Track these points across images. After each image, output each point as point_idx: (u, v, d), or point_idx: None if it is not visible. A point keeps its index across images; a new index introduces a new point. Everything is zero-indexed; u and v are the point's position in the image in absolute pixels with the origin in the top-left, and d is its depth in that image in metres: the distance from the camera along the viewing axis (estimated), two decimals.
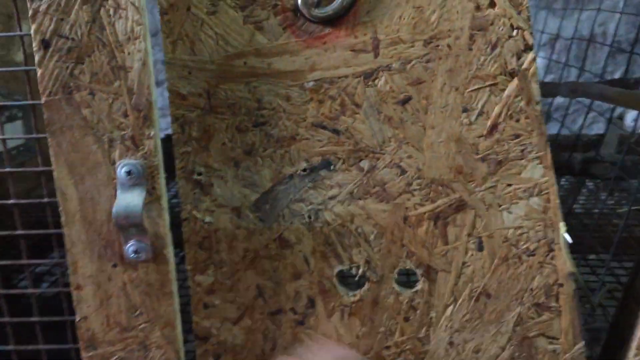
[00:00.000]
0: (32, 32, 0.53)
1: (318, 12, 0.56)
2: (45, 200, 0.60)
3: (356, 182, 0.58)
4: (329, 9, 0.56)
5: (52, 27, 0.53)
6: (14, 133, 1.11)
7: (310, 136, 0.58)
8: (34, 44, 0.53)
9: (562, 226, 0.57)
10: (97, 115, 0.55)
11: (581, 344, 0.59)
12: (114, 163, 0.55)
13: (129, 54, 0.54)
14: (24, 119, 1.15)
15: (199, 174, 0.59)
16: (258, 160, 0.59)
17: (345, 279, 0.61)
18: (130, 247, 0.56)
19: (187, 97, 0.58)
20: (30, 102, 0.60)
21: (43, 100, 0.54)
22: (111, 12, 0.53)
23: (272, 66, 0.57)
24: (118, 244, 0.56)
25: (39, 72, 0.53)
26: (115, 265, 0.56)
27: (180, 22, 0.57)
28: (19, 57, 1.26)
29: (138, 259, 0.56)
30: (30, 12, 0.53)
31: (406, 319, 0.60)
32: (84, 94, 0.54)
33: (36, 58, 0.53)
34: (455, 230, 0.58)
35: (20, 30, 0.62)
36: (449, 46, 0.56)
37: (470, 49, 0.56)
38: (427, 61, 0.56)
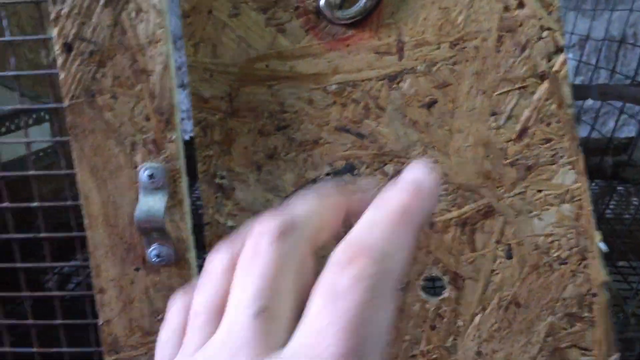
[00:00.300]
0: (54, 35, 0.53)
1: (341, 14, 0.55)
2: (69, 203, 0.60)
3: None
4: (352, 11, 0.55)
5: (74, 30, 0.53)
6: (42, 136, 1.13)
7: (334, 140, 0.57)
8: (55, 48, 0.53)
9: (597, 235, 0.55)
10: (119, 119, 0.54)
11: (616, 355, 0.57)
12: (136, 166, 0.55)
13: (150, 57, 0.54)
14: (51, 121, 1.16)
15: (221, 177, 0.59)
16: (280, 164, 0.58)
17: None
18: (152, 251, 0.55)
19: (208, 101, 0.58)
20: (54, 105, 0.60)
21: (66, 103, 0.54)
22: (133, 15, 0.53)
23: (294, 69, 0.56)
24: (140, 247, 0.56)
25: (62, 75, 0.53)
26: (137, 269, 0.56)
27: (201, 24, 0.57)
28: (48, 60, 1.27)
29: (160, 263, 0.55)
30: (52, 16, 0.53)
31: (432, 328, 0.59)
32: (106, 98, 0.54)
33: (58, 61, 0.53)
34: (483, 237, 0.57)
35: (45, 33, 0.63)
36: (476, 48, 0.55)
37: (499, 51, 0.54)
38: (454, 63, 0.55)
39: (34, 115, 1.11)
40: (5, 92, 1.07)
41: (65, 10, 0.53)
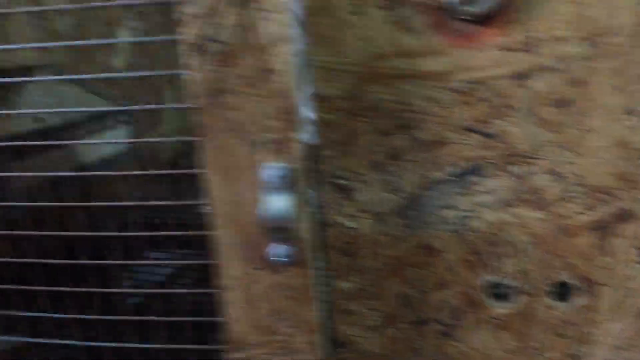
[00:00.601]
0: (183, 36, 0.54)
1: (468, 11, 0.53)
2: (192, 202, 0.61)
3: (508, 188, 0.55)
4: (481, 7, 0.53)
5: (203, 31, 0.53)
6: (117, 139, 1.15)
7: (458, 140, 0.56)
8: (185, 48, 0.54)
9: None
10: (245, 118, 0.55)
11: None
12: (261, 166, 0.55)
13: (276, 56, 0.54)
14: (128, 124, 1.18)
15: (342, 178, 0.58)
16: (402, 165, 0.57)
17: (494, 289, 0.58)
18: (275, 250, 0.55)
19: (330, 100, 0.57)
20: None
21: (195, 103, 0.54)
22: (259, 15, 0.53)
23: (418, 67, 0.55)
24: (264, 247, 0.56)
25: (191, 76, 0.54)
26: (261, 268, 0.56)
27: (324, 23, 0.56)
28: (117, 63, 1.30)
29: (282, 263, 0.55)
30: (182, 17, 0.53)
31: (560, 335, 0.57)
32: (233, 97, 0.54)
33: (188, 62, 0.54)
34: (619, 242, 0.54)
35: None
36: (612, 44, 0.52)
37: (637, 47, 0.52)
38: (588, 60, 0.53)
39: (113, 119, 1.13)
40: (85, 95, 1.09)
41: (195, 12, 0.53)
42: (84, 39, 1.21)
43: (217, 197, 0.56)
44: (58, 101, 1.02)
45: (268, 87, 0.54)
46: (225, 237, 0.56)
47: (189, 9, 0.53)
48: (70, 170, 0.99)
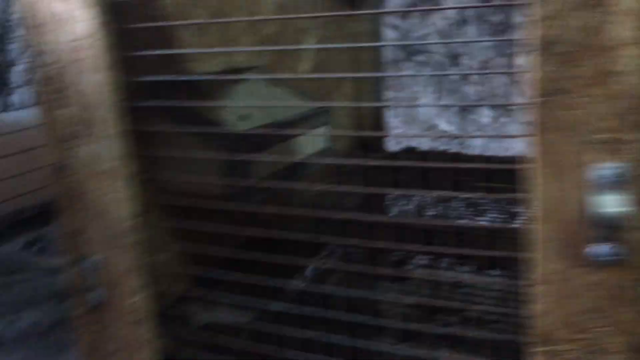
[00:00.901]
0: (530, 37, 0.56)
1: None
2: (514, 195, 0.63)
3: None
4: None
5: (551, 32, 0.55)
6: (322, 138, 1.20)
7: None
8: (529, 49, 0.56)
9: None
10: (579, 118, 0.56)
11: None
12: (590, 166, 0.56)
13: (619, 59, 0.54)
14: (328, 124, 1.23)
15: None
16: None
17: None
18: (596, 249, 0.56)
19: None
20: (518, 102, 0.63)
21: (536, 101, 0.56)
22: (605, 18, 0.54)
23: None
24: (583, 245, 0.57)
25: (534, 74, 0.56)
26: (578, 266, 0.57)
27: None
28: (301, 67, 1.36)
29: (603, 262, 0.56)
30: (529, 19, 0.55)
31: None
32: (572, 97, 0.56)
33: (531, 62, 0.56)
34: None
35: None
36: None
37: None
38: None
39: (312, 121, 1.18)
40: (293, 97, 1.15)
41: (545, 14, 0.55)
42: (283, 43, 1.27)
43: (542, 193, 0.58)
44: (267, 100, 1.09)
45: (607, 89, 0.55)
46: (545, 233, 0.58)
47: (535, 11, 0.55)
48: (290, 165, 1.05)
